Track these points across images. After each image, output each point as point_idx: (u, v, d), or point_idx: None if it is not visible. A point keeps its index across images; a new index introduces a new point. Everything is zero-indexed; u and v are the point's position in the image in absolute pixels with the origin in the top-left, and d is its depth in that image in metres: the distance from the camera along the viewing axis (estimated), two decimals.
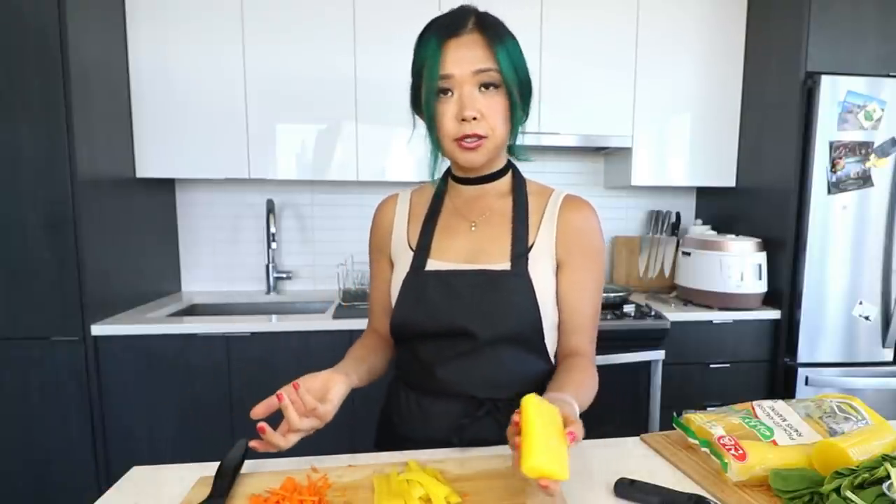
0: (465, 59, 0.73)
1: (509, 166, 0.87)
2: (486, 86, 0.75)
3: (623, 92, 2.09)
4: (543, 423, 0.55)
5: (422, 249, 0.83)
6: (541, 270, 0.80)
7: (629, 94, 2.10)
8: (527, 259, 0.80)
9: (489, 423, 0.81)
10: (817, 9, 1.83)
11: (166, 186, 2.15)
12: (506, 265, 0.80)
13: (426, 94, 0.75)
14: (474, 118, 0.74)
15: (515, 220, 0.83)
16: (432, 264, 0.82)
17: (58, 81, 1.52)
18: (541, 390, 0.81)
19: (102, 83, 1.72)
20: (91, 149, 1.64)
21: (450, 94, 0.75)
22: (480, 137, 0.75)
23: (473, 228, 0.84)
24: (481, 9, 0.79)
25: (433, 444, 0.80)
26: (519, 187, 0.86)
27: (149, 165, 1.91)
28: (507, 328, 0.79)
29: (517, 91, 0.76)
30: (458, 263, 0.81)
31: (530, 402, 0.57)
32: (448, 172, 0.89)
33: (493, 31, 0.75)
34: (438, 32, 0.76)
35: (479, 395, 0.81)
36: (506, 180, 0.86)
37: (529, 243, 0.81)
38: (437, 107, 0.75)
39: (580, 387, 0.74)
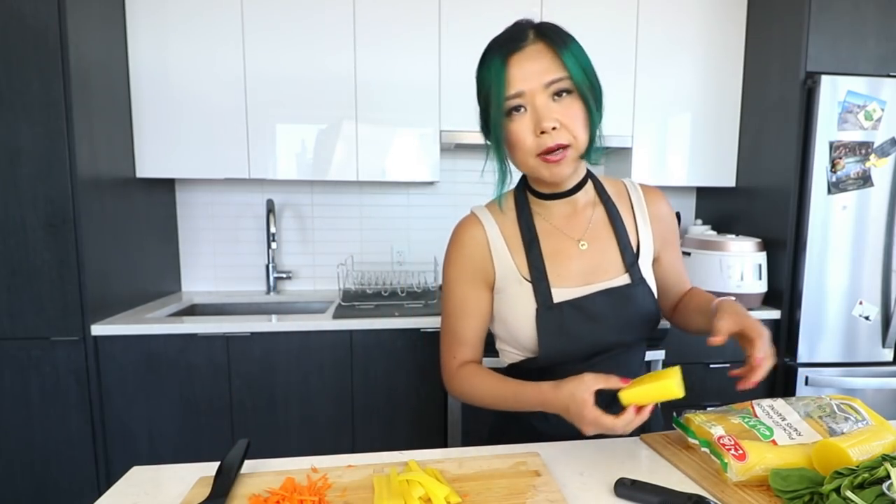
0: (533, 72, 0.71)
1: (588, 173, 0.86)
2: (559, 93, 0.73)
3: (623, 92, 2.09)
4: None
5: (540, 280, 0.80)
6: (647, 270, 0.86)
7: (629, 95, 2.10)
8: (638, 266, 0.84)
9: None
10: (817, 9, 1.83)
11: (166, 186, 2.15)
12: (625, 279, 0.82)
13: (494, 116, 0.73)
14: (554, 128, 0.72)
15: (616, 230, 0.84)
16: (559, 294, 0.80)
17: (58, 81, 1.52)
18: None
19: (102, 83, 1.72)
20: (91, 148, 1.64)
21: (522, 110, 0.73)
22: (564, 147, 0.73)
23: (584, 247, 0.83)
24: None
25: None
26: (602, 192, 0.86)
27: (149, 165, 1.91)
28: (641, 334, 0.84)
29: (590, 94, 0.75)
30: (580, 287, 0.81)
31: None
32: (524, 189, 0.86)
33: (557, 38, 0.73)
34: (500, 50, 0.73)
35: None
36: (590, 187, 0.85)
37: (635, 248, 0.85)
38: (510, 126, 0.74)
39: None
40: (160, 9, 1.85)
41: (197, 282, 2.27)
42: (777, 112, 1.97)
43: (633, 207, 0.87)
